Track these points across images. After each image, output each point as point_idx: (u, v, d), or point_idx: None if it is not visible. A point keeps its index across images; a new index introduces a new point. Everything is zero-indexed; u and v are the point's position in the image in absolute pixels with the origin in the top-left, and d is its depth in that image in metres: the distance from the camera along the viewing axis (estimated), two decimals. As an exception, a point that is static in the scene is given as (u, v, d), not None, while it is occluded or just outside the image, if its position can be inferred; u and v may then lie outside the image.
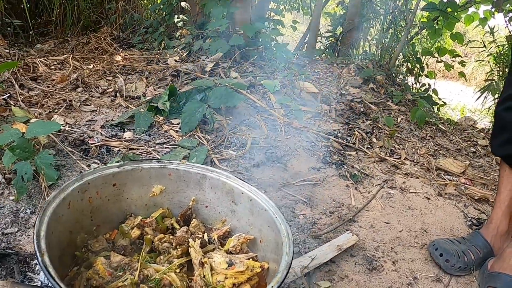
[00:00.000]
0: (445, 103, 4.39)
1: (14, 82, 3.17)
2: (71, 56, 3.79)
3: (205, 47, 3.90)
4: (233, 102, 2.95)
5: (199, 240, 1.61)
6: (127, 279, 1.44)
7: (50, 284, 1.49)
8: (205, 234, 1.71)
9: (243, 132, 3.01)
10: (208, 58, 3.68)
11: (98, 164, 2.47)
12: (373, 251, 2.49)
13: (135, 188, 1.74)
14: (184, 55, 3.83)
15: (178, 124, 2.95)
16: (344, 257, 2.39)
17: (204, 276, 1.52)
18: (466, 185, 3.23)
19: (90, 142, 2.64)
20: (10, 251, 1.92)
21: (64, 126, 2.75)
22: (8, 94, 3.02)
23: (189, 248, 1.60)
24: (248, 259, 1.60)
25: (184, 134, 2.84)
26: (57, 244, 1.43)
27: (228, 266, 1.54)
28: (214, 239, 1.70)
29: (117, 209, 1.74)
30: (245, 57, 3.82)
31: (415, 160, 3.44)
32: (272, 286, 1.25)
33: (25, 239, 2.01)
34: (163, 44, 4.27)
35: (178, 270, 1.52)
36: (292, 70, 3.70)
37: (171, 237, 1.64)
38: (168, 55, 3.89)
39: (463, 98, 6.09)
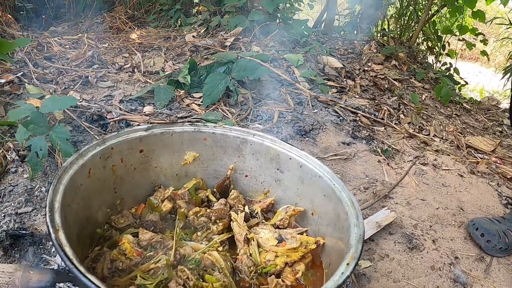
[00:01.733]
0: (466, 83, 4.05)
1: (28, 62, 2.85)
2: (86, 35, 3.45)
3: (224, 23, 3.56)
4: (258, 74, 2.63)
5: (243, 213, 1.30)
6: (160, 259, 1.13)
7: (67, 267, 1.18)
8: (246, 207, 1.39)
9: (268, 105, 2.69)
10: (227, 33, 3.35)
11: None
12: (411, 229, 2.24)
13: (165, 155, 1.42)
14: (202, 32, 3.50)
15: (200, 97, 2.63)
16: (382, 235, 2.13)
17: (250, 255, 1.21)
18: (497, 164, 2.95)
19: (108, 117, 2.32)
20: (24, 232, 1.65)
21: (80, 102, 2.44)
22: (22, 73, 2.71)
23: (231, 223, 1.29)
24: (299, 234, 1.29)
25: (206, 107, 2.53)
26: (74, 219, 1.13)
27: (278, 243, 1.23)
28: (257, 212, 1.38)
29: (144, 180, 1.42)
30: (264, 33, 3.48)
31: (444, 138, 3.13)
32: (348, 263, 0.94)
33: (40, 219, 1.73)
34: (179, 22, 3.93)
35: (220, 248, 1.21)
36: (314, 45, 3.37)
37: (208, 210, 1.33)
38: (185, 32, 3.56)
39: (481, 80, 5.76)
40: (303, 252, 1.22)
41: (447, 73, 3.98)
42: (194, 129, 1.40)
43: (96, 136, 2.12)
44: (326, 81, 3.10)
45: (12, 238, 1.59)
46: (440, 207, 2.44)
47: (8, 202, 1.74)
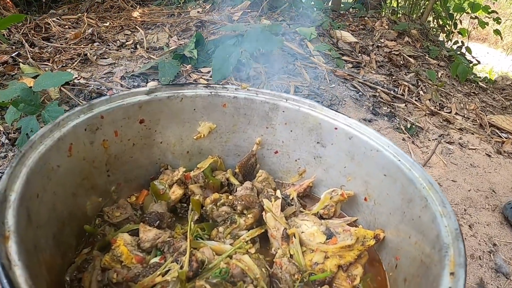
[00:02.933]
0: (479, 62, 3.64)
1: (24, 42, 2.44)
2: (86, 15, 3.02)
3: (229, -3, 3.14)
4: (271, 45, 2.23)
5: (279, 200, 0.90)
6: (170, 269, 0.74)
7: None
8: (278, 192, 0.98)
9: (283, 80, 2.29)
10: (234, 8, 2.93)
11: None
12: None
13: (172, 127, 1.02)
14: (207, 7, 3.08)
15: (208, 72, 2.23)
16: None
17: (291, 256, 0.82)
18: None
19: (108, 94, 1.90)
20: None
21: (78, 80, 2.05)
22: (17, 53, 2.31)
23: (264, 214, 0.89)
24: (361, 227, 0.90)
25: (216, 83, 2.11)
26: (49, 215, 0.75)
27: (326, 239, 0.84)
28: (292, 198, 0.98)
29: (146, 159, 1.02)
30: (272, 8, 3.06)
31: (465, 116, 2.74)
32: (453, 274, 0.56)
33: None
34: (183, -2, 3.49)
35: (252, 250, 0.82)
36: (325, 20, 2.95)
37: (230, 197, 0.93)
38: (190, 9, 3.13)
39: (490, 61, 5.36)
40: (360, 251, 0.84)
41: (459, 52, 3.57)
42: (211, 92, 1.00)
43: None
44: (341, 56, 2.69)
45: None
46: (471, 189, 2.14)
47: None
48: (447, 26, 3.63)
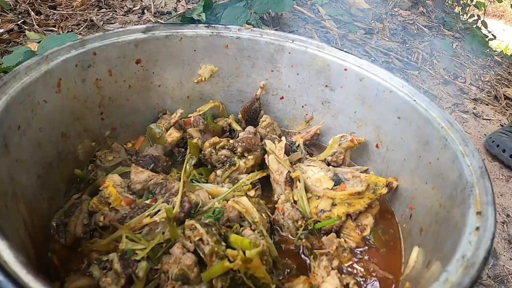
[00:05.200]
0: (494, 37, 3.45)
1: (31, 11, 2.35)
2: None
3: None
4: (282, 7, 2.09)
5: (283, 142, 0.80)
6: (159, 211, 0.65)
7: None
8: (284, 139, 0.88)
9: (293, 44, 2.16)
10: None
11: None
12: None
13: (171, 69, 0.91)
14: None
15: (217, 35, 2.11)
16: None
17: (295, 202, 0.73)
18: None
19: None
20: None
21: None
22: (22, 20, 2.21)
23: (266, 157, 0.79)
24: (370, 174, 0.80)
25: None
26: (33, 152, 0.66)
27: (334, 185, 0.74)
28: (299, 145, 0.88)
29: (144, 102, 0.92)
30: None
31: (480, 87, 2.59)
32: (480, 213, 0.45)
33: None
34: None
35: (252, 193, 0.72)
36: (338, -13, 2.81)
37: (231, 141, 0.83)
38: (201, -28, 3.01)
39: (505, 38, 5.13)
40: (371, 199, 0.74)
41: (474, 26, 3.39)
42: (212, 32, 0.90)
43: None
44: (353, 22, 2.56)
45: None
46: (485, 159, 2.00)
47: None
48: (463, -1, 3.45)
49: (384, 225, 0.77)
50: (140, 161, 0.80)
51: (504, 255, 1.51)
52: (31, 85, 0.66)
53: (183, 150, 0.87)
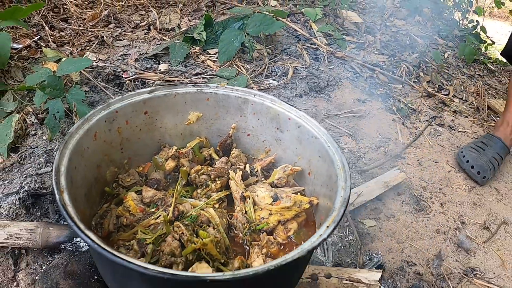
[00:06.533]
0: (493, 42, 3.94)
1: (45, 25, 2.91)
2: None
3: (242, -24, 3.54)
4: (273, 29, 2.63)
5: (241, 171, 1.36)
6: (160, 215, 1.21)
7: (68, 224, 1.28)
8: (247, 165, 1.45)
9: (284, 61, 2.71)
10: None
11: None
12: (420, 190, 2.30)
13: (169, 116, 1.48)
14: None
15: (215, 54, 2.67)
16: (390, 195, 2.20)
17: (245, 212, 1.28)
18: None
19: (124, 76, 2.39)
20: (45, 191, 1.79)
21: (96, 62, 2.52)
22: (39, 36, 2.77)
23: (230, 181, 1.35)
24: (295, 193, 1.35)
25: (222, 64, 2.57)
26: (82, 180, 1.21)
27: (273, 201, 1.30)
28: (257, 170, 1.44)
29: (150, 140, 1.49)
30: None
31: (463, 98, 3.11)
32: (328, 226, 1.00)
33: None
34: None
35: (217, 206, 1.28)
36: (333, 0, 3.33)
37: (209, 168, 1.39)
38: (203, -15, 3.55)
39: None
40: (297, 211, 1.28)
41: (473, 31, 3.88)
42: (197, 90, 1.46)
43: (112, 96, 2.20)
44: (345, 36, 3.08)
45: (33, 197, 1.75)
46: (452, 170, 2.47)
47: (29, 163, 1.87)
48: (463, 4, 3.93)
49: (307, 229, 1.32)
50: (148, 183, 1.37)
51: (451, 257, 1.99)
52: (80, 139, 1.22)
53: (177, 174, 1.43)
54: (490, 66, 3.65)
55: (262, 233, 1.23)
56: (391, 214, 2.10)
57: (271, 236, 1.23)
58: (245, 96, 1.46)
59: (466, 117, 2.89)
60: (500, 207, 2.32)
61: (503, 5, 3.88)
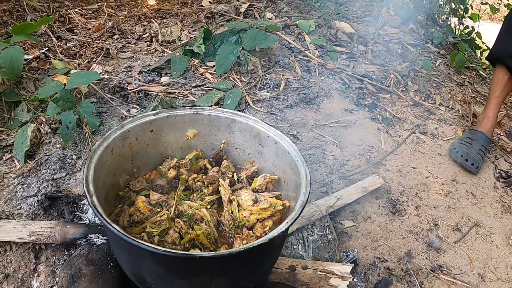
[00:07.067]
0: (488, 48, 4.40)
1: (52, 35, 3.38)
2: (105, 3, 3.98)
3: (240, -14, 4.05)
4: (266, 43, 3.12)
5: (229, 179, 1.87)
6: (164, 214, 1.71)
7: (98, 221, 1.85)
8: (235, 174, 1.96)
9: (277, 73, 3.20)
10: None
11: (137, 109, 2.74)
12: (397, 195, 2.71)
13: (170, 133, 1.99)
14: (218, -5, 4.00)
15: (213, 66, 3.15)
16: (369, 199, 2.63)
17: (231, 212, 1.79)
18: (499, 136, 3.37)
19: (128, 88, 2.88)
20: (60, 194, 2.25)
21: (103, 75, 2.94)
22: (47, 48, 3.24)
23: (219, 187, 1.86)
24: (273, 197, 1.85)
25: (219, 76, 3.06)
26: (102, 186, 1.69)
27: (253, 203, 1.80)
28: (243, 178, 1.95)
29: (155, 153, 2.00)
30: (281, -5, 3.96)
31: (450, 106, 3.55)
32: (287, 222, 1.50)
33: (73, 182, 2.34)
34: (196, -15, 4.41)
35: (209, 206, 1.79)
36: (327, 10, 3.82)
37: (203, 176, 1.91)
38: (203, -4, 4.07)
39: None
40: (272, 212, 1.78)
41: (469, 37, 4.35)
42: (193, 112, 1.96)
43: (118, 107, 2.71)
44: (337, 47, 3.57)
45: (50, 199, 2.20)
46: (430, 175, 2.89)
47: (45, 169, 2.32)
48: (459, 10, 4.41)
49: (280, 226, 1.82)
50: (154, 188, 1.88)
51: (421, 255, 2.36)
52: (101, 154, 1.72)
53: (177, 181, 1.94)
54: (482, 72, 4.09)
55: (244, 228, 1.73)
56: (368, 216, 2.54)
57: (251, 231, 1.73)
58: (233, 117, 1.97)
59: (450, 125, 3.32)
60: (474, 211, 2.69)
61: (498, 11, 4.34)
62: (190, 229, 1.64)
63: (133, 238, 1.35)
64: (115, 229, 1.37)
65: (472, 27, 4.41)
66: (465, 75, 3.98)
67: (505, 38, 3.00)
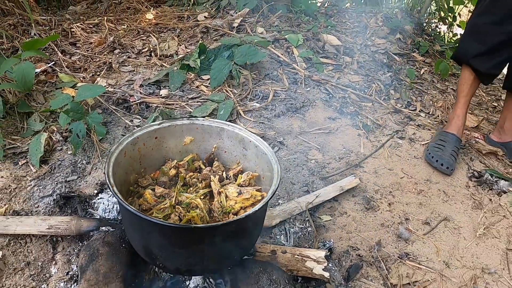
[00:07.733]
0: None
1: (56, 49, 4.00)
2: (106, 18, 4.64)
3: (233, 2, 4.80)
4: (256, 58, 3.85)
5: (218, 176, 2.63)
6: (167, 203, 2.47)
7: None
8: (224, 172, 2.72)
9: (266, 85, 3.92)
10: (236, 13, 4.60)
11: (139, 119, 3.36)
12: (372, 193, 3.24)
13: (171, 140, 2.70)
14: (213, 11, 4.75)
15: (208, 79, 3.87)
16: (346, 197, 3.18)
17: (221, 202, 2.54)
18: (477, 139, 3.92)
19: (131, 100, 3.52)
20: (73, 194, 2.72)
21: (107, 87, 3.45)
22: (53, 62, 3.76)
23: (211, 182, 2.62)
24: (254, 190, 2.61)
25: (213, 89, 3.79)
26: (118, 182, 2.30)
27: (238, 195, 2.56)
28: (230, 176, 2.70)
29: (159, 156, 2.71)
30: (272, 10, 4.69)
31: (430, 113, 4.15)
32: (259, 205, 2.25)
33: (84, 184, 2.82)
34: (192, 0, 5.17)
35: (202, 197, 2.53)
36: (317, 23, 4.57)
37: (198, 174, 2.68)
38: (198, 11, 4.81)
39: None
40: (253, 201, 2.51)
41: (457, 44, 5.05)
42: (190, 122, 2.72)
43: (121, 117, 3.41)
44: (324, 59, 4.33)
45: (64, 199, 2.66)
46: (405, 176, 3.43)
47: (58, 173, 2.80)
48: (448, 18, 5.13)
49: (261, 212, 2.59)
50: (158, 183, 2.64)
51: (391, 245, 2.71)
52: (117, 157, 2.41)
53: (177, 178, 2.70)
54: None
55: (230, 214, 2.48)
56: (344, 212, 2.96)
57: (235, 216, 2.49)
58: (222, 126, 2.74)
59: (429, 130, 3.88)
60: (445, 207, 3.08)
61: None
62: (188, 213, 2.40)
63: (146, 215, 2.11)
64: (132, 208, 2.13)
65: (461, 34, 5.09)
66: (449, 82, 4.64)
67: (468, 40, 3.42)
